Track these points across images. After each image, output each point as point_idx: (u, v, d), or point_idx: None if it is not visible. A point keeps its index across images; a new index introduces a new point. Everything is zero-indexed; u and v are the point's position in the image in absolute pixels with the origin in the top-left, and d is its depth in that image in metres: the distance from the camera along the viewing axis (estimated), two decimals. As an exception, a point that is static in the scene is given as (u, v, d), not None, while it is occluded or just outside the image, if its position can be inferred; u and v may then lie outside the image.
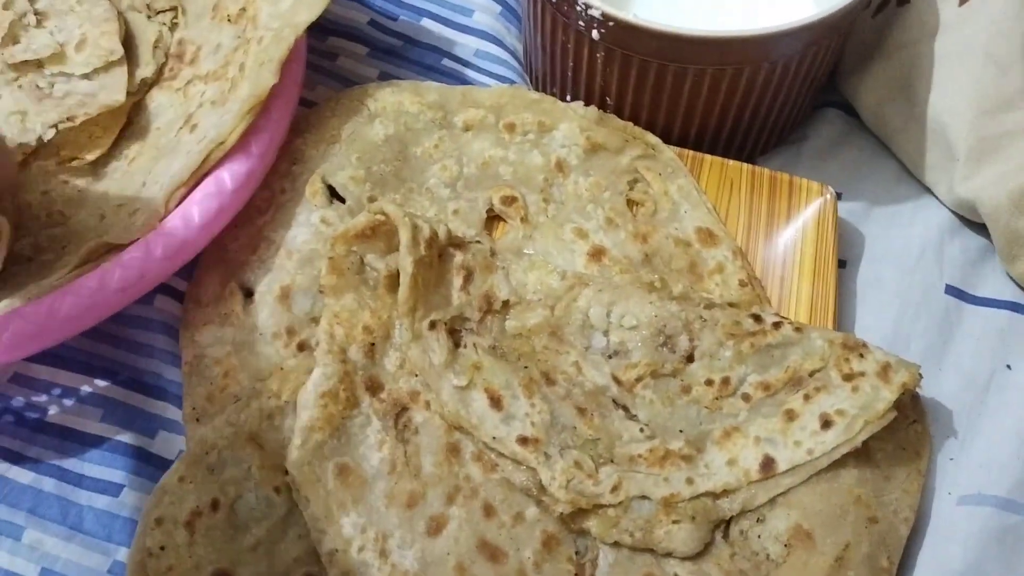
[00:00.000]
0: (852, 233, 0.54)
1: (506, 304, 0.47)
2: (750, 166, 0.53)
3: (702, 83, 0.49)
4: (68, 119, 0.54)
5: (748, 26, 0.48)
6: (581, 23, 0.49)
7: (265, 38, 0.50)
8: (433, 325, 0.45)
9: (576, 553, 0.42)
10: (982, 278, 0.52)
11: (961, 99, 0.51)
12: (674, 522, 0.41)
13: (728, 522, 0.43)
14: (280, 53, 0.48)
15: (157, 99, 0.56)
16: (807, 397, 0.44)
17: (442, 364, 0.44)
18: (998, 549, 0.43)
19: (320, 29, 0.59)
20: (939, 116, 0.52)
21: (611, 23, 0.48)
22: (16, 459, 0.45)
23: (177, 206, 0.46)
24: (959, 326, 0.51)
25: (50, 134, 0.53)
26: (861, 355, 0.45)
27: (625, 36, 0.48)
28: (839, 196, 0.54)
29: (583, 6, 0.48)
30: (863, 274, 0.53)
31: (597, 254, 0.51)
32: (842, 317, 0.51)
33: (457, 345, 0.45)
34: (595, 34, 0.49)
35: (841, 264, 0.53)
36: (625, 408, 0.45)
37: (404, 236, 0.45)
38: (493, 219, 0.52)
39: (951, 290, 0.52)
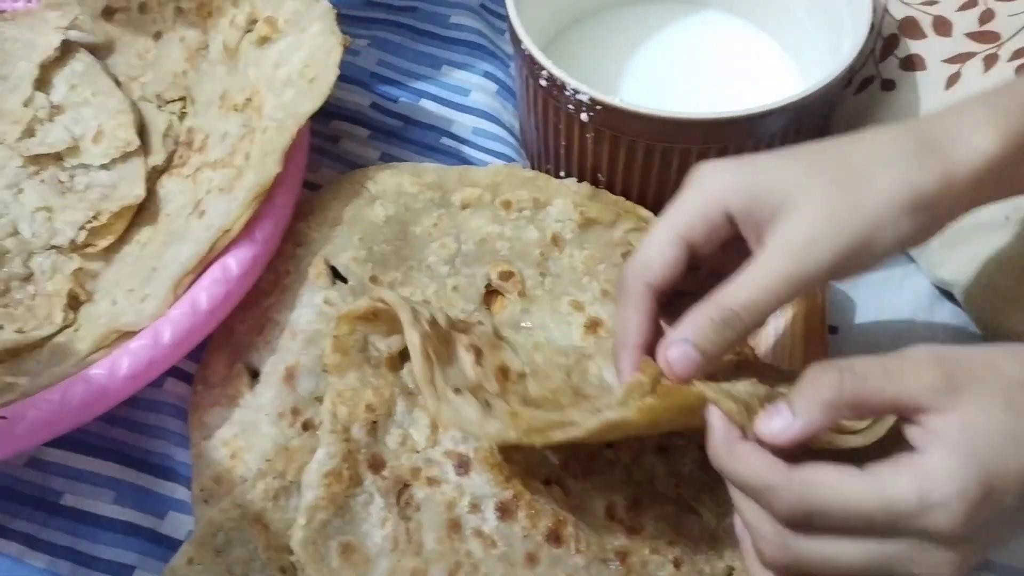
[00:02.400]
0: (843, 299, 0.56)
1: (522, 375, 0.48)
2: (739, 236, 0.54)
3: (689, 161, 0.51)
4: (95, 217, 0.56)
5: (733, 106, 0.50)
6: (571, 106, 0.52)
7: (269, 128, 0.53)
8: (458, 391, 0.45)
9: (576, 628, 0.42)
10: (974, 342, 0.53)
11: None
12: None
13: None
14: (283, 143, 0.51)
15: (167, 185, 0.58)
16: None
17: (480, 416, 0.44)
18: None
19: (323, 113, 0.60)
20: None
21: (599, 107, 0.50)
22: (31, 543, 0.47)
23: (185, 292, 0.48)
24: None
25: (81, 236, 0.55)
26: None
27: (613, 118, 0.50)
28: (828, 263, 0.55)
29: (572, 91, 0.50)
30: (854, 340, 0.54)
31: (593, 326, 0.52)
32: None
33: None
34: (584, 116, 0.51)
35: (832, 330, 0.54)
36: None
37: (405, 316, 0.46)
38: (491, 293, 0.54)
39: (943, 355, 0.53)
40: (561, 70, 0.51)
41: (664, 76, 0.62)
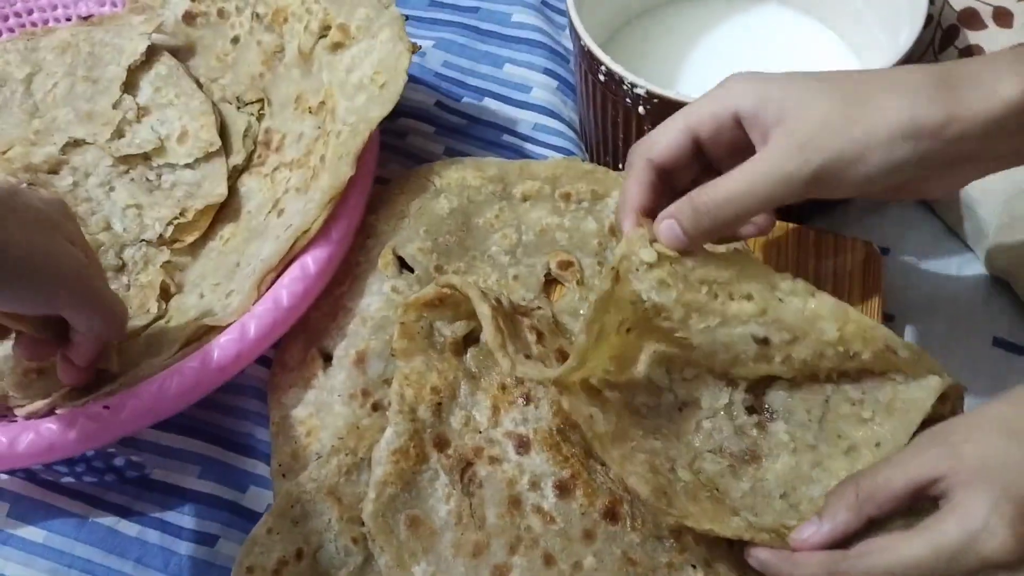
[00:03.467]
0: (899, 288, 0.56)
1: None
2: (796, 226, 0.55)
3: (744, 152, 0.52)
4: (181, 214, 0.60)
5: None
6: (628, 100, 0.53)
7: (343, 132, 0.55)
8: (528, 357, 0.47)
9: (633, 600, 0.44)
10: (1032, 329, 0.53)
11: (993, 178, 0.52)
12: None
13: None
14: (356, 147, 0.53)
15: (247, 184, 0.62)
16: None
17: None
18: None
19: (392, 111, 0.64)
20: (971, 191, 0.54)
21: (655, 99, 0.52)
22: (124, 513, 0.50)
23: (268, 289, 0.51)
24: (1008, 378, 0.52)
25: (169, 231, 0.59)
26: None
27: (669, 111, 0.51)
28: (885, 252, 0.56)
29: (629, 85, 0.52)
30: (911, 328, 0.54)
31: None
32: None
33: None
34: (641, 109, 0.53)
35: (889, 318, 0.55)
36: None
37: (473, 294, 0.48)
38: (551, 282, 0.56)
39: (999, 342, 0.53)
40: (619, 65, 0.52)
41: (723, 70, 0.62)
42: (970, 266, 0.57)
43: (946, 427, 0.38)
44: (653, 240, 0.42)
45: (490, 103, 0.66)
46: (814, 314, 0.43)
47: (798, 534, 0.40)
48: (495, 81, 0.67)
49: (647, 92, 0.51)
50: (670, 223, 0.41)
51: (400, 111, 0.65)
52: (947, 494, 0.36)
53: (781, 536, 0.41)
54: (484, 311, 0.46)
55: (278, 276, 0.51)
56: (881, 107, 0.38)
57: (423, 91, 0.66)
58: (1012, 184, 0.52)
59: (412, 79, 0.67)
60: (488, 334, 0.45)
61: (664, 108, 0.52)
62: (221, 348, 0.48)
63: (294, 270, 0.51)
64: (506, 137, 0.64)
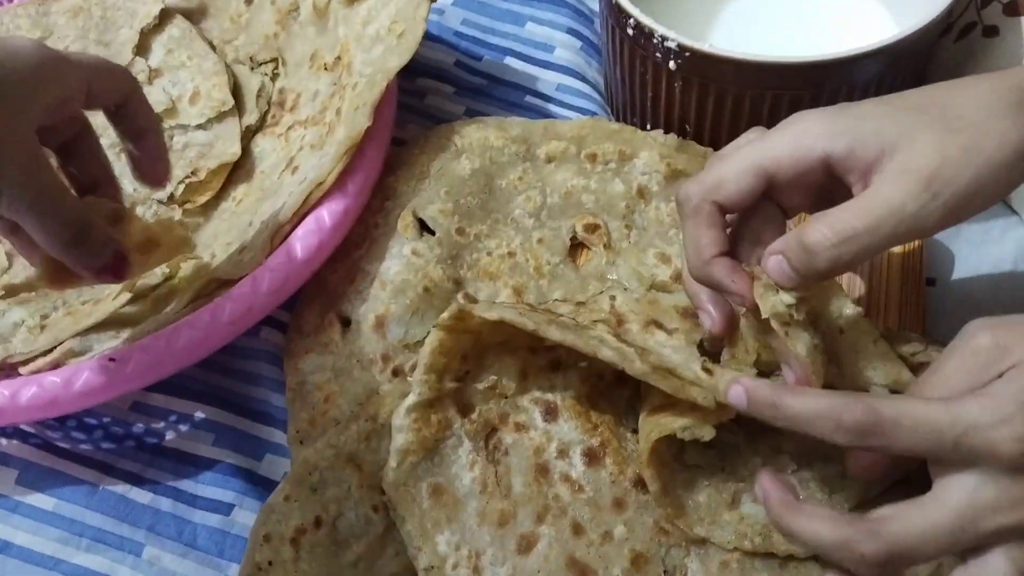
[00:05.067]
0: (941, 251, 0.54)
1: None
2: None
3: (780, 108, 0.50)
4: (193, 173, 0.58)
5: (825, 50, 0.48)
6: (658, 55, 0.51)
7: (359, 84, 0.54)
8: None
9: (664, 572, 0.42)
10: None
11: None
12: None
13: None
14: (373, 97, 0.51)
15: (261, 144, 0.60)
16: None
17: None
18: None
19: (409, 71, 0.61)
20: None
21: (687, 53, 0.49)
22: (136, 481, 0.49)
23: (281, 243, 0.49)
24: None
25: (180, 189, 0.58)
26: None
27: (701, 65, 0.49)
28: (926, 215, 0.54)
29: (660, 38, 0.50)
30: (953, 292, 0.52)
31: (680, 278, 0.52)
32: (932, 335, 0.50)
33: None
34: (672, 65, 0.51)
35: (930, 282, 0.53)
36: None
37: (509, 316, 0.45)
38: (577, 246, 0.54)
39: (1046, 307, 0.51)
40: (644, 20, 0.50)
41: (754, 23, 0.61)
42: (1015, 230, 0.54)
43: (1000, 322, 0.36)
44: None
45: (512, 62, 0.64)
46: None
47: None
48: (517, 40, 0.65)
49: (679, 45, 0.49)
50: (778, 259, 0.38)
51: (418, 71, 0.63)
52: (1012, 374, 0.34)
53: None
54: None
55: (292, 229, 0.49)
56: (991, 132, 0.36)
57: (442, 50, 0.64)
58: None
59: (430, 38, 0.65)
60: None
61: (697, 62, 0.50)
62: (233, 301, 0.46)
63: (308, 223, 0.49)
64: (528, 98, 0.62)
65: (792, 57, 0.48)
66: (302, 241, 0.49)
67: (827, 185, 0.39)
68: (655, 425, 0.41)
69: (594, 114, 0.61)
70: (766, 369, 0.42)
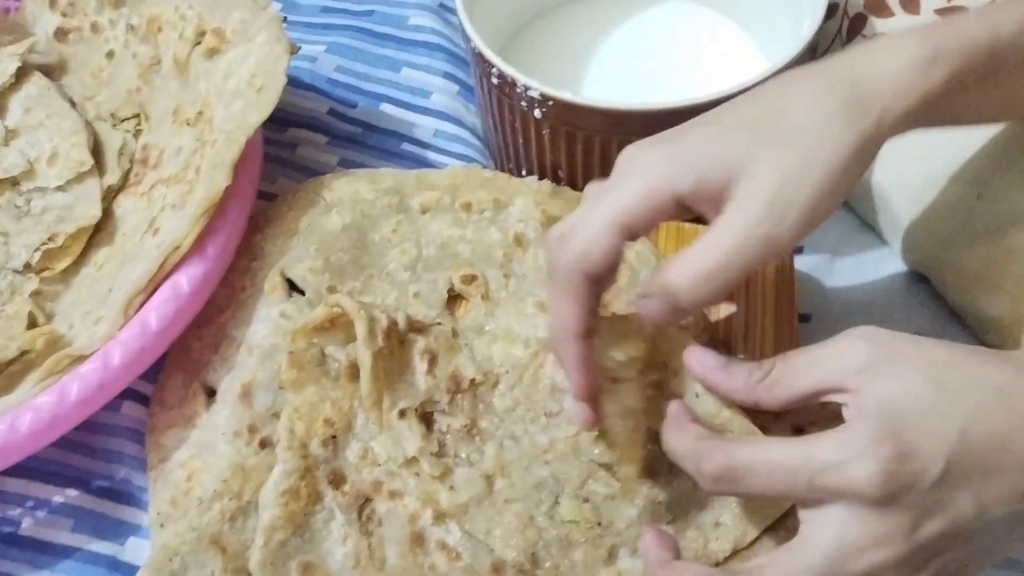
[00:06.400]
0: (815, 286, 0.54)
1: (473, 383, 0.47)
2: (705, 227, 0.53)
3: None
4: (50, 239, 0.55)
5: (696, 93, 0.49)
6: (524, 103, 0.50)
7: (219, 140, 0.52)
8: (403, 414, 0.45)
9: (546, 638, 0.41)
10: (951, 325, 0.52)
11: (906, 170, 0.51)
12: None
13: None
14: (232, 155, 0.49)
15: (123, 205, 0.57)
16: None
17: (417, 451, 0.44)
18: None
19: (280, 121, 0.61)
20: (884, 184, 0.52)
21: (550, 102, 0.49)
22: (-10, 577, 0.46)
23: (136, 312, 0.47)
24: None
25: (36, 257, 0.54)
26: None
27: (565, 113, 0.49)
28: (800, 250, 0.54)
29: (523, 88, 0.49)
30: (827, 328, 0.52)
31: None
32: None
33: (430, 429, 0.45)
34: (537, 113, 0.50)
35: (805, 319, 0.53)
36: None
37: (360, 329, 0.45)
38: (455, 298, 0.53)
39: (920, 338, 0.51)
40: (511, 67, 0.50)
41: (627, 68, 0.61)
42: (887, 261, 0.55)
43: (889, 337, 0.35)
44: None
45: (387, 109, 0.63)
46: None
47: (702, 354, 0.39)
48: (392, 86, 0.64)
49: (541, 95, 0.49)
50: (646, 301, 0.39)
51: (289, 121, 0.61)
52: (847, 414, 0.34)
53: None
54: (365, 359, 0.43)
55: (148, 298, 0.47)
56: (824, 139, 0.36)
57: (315, 98, 0.62)
58: (925, 176, 0.51)
59: (302, 86, 0.63)
60: (364, 387, 0.43)
61: (559, 111, 0.49)
62: (82, 379, 0.44)
63: (165, 290, 0.47)
64: (405, 145, 0.61)
65: (652, 104, 0.47)
66: (158, 310, 0.46)
67: (690, 208, 0.39)
68: None
69: (472, 159, 0.60)
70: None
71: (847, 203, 0.57)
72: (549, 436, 0.46)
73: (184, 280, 0.47)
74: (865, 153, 0.37)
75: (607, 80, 0.60)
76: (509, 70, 0.49)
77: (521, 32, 0.63)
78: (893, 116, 0.37)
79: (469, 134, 0.62)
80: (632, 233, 0.38)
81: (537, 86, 0.48)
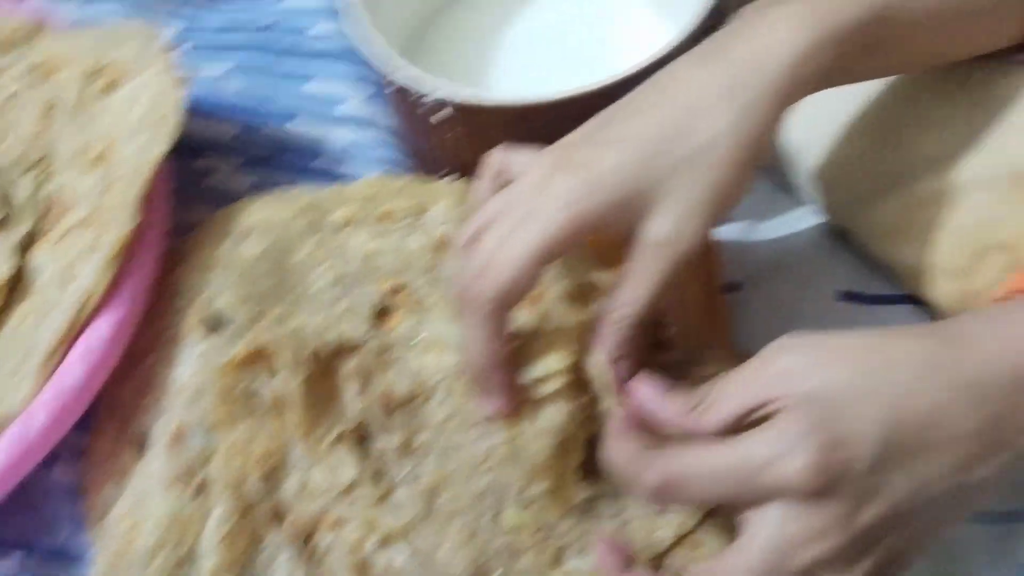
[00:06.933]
0: (743, 252, 0.54)
1: (407, 398, 0.47)
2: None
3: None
4: None
5: (610, 72, 0.48)
6: (423, 108, 0.50)
7: (123, 179, 0.51)
8: (338, 440, 0.44)
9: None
10: (876, 277, 0.52)
11: (811, 128, 0.51)
12: None
13: None
14: (136, 194, 0.49)
15: (37, 256, 0.55)
16: None
17: (355, 477, 0.44)
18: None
19: (189, 149, 0.59)
20: (791, 146, 0.52)
21: (451, 106, 0.48)
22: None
23: (57, 367, 0.46)
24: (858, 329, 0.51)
25: None
26: None
27: (468, 115, 0.48)
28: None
29: (422, 94, 0.48)
30: (756, 294, 0.52)
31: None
32: (740, 341, 0.50)
33: (366, 451, 0.45)
34: (441, 116, 0.49)
35: (736, 287, 0.53)
36: None
37: (284, 361, 0.45)
38: (385, 311, 0.52)
39: (844, 296, 0.52)
40: (410, 72, 0.49)
41: (536, 53, 0.61)
42: (809, 218, 0.55)
43: (801, 342, 0.36)
44: None
45: (298, 125, 0.61)
46: None
47: (640, 381, 0.39)
48: (301, 100, 0.63)
49: (440, 100, 0.48)
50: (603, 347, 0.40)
51: (199, 149, 0.60)
52: (774, 416, 0.34)
53: None
54: (292, 392, 0.43)
55: (68, 350, 0.46)
56: (719, 153, 0.38)
57: (222, 123, 0.61)
58: (832, 131, 0.51)
59: (209, 111, 0.62)
60: (295, 419, 0.42)
61: (463, 113, 0.49)
62: (8, 444, 0.43)
63: (83, 342, 0.46)
64: (319, 160, 0.60)
65: (553, 95, 0.47)
66: (78, 364, 0.45)
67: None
68: None
69: (391, 164, 0.60)
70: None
71: (761, 171, 0.57)
72: (487, 443, 0.45)
73: (102, 329, 0.46)
74: (763, 148, 0.38)
75: (517, 69, 0.60)
76: (405, 78, 0.48)
77: (424, 28, 0.62)
78: (787, 104, 0.38)
79: (385, 138, 0.61)
80: (552, 260, 0.39)
81: (434, 91, 0.47)
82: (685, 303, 0.50)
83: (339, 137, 0.61)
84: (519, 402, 0.42)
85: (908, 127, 0.48)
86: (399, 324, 0.51)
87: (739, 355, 0.45)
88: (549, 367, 0.40)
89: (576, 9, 0.63)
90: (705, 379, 0.43)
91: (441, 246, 0.53)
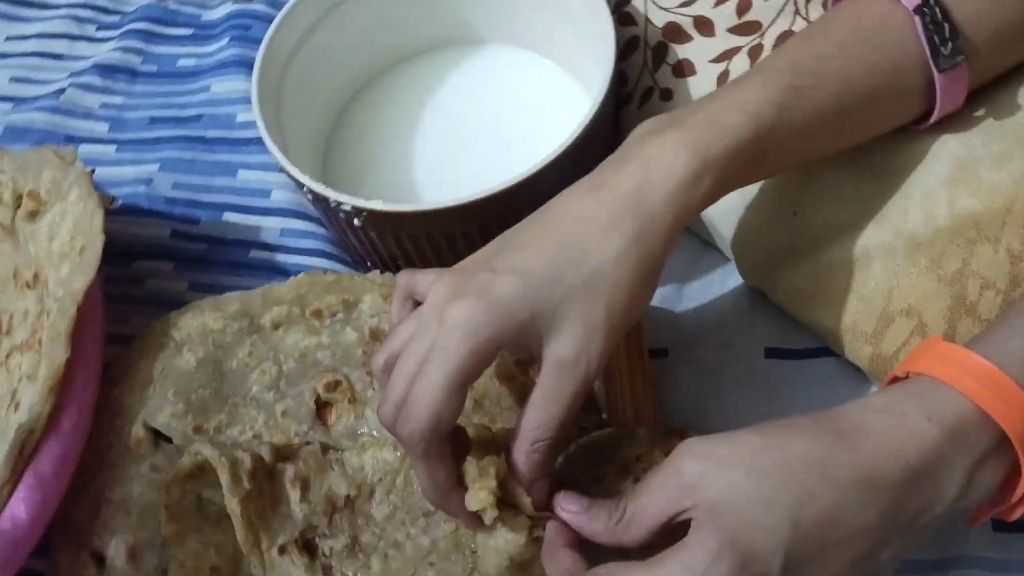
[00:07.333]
0: (667, 318, 0.56)
1: (349, 498, 0.49)
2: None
3: (474, 239, 0.50)
4: None
5: (531, 147, 0.50)
6: (342, 215, 0.51)
7: (53, 310, 0.51)
8: (283, 549, 0.46)
9: None
10: (799, 332, 0.53)
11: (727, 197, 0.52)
12: None
13: None
14: (66, 326, 0.49)
15: (-17, 375, 0.57)
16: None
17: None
18: None
19: (123, 255, 0.60)
20: (709, 213, 0.54)
21: (364, 213, 0.49)
22: None
23: (4, 505, 0.47)
24: (786, 386, 0.52)
25: None
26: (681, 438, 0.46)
27: (380, 220, 0.49)
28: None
29: (334, 202, 0.50)
30: (682, 358, 0.54)
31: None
32: (668, 406, 0.52)
33: (314, 556, 0.46)
34: (357, 221, 0.50)
35: (662, 353, 0.54)
36: None
37: (223, 477, 0.46)
38: (325, 406, 0.54)
39: (771, 352, 0.53)
40: (317, 187, 0.50)
41: (458, 131, 0.62)
42: (732, 275, 0.56)
43: (703, 447, 0.37)
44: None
45: (231, 218, 0.62)
46: None
47: (567, 500, 0.40)
48: (232, 192, 0.63)
49: (351, 207, 0.49)
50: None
51: (133, 253, 0.61)
52: (690, 528, 0.36)
53: None
54: (233, 507, 0.44)
55: (13, 488, 0.47)
56: (616, 280, 0.39)
57: (155, 223, 0.62)
58: (744, 197, 0.52)
59: (141, 212, 0.63)
60: (239, 534, 0.43)
61: (375, 219, 0.50)
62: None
63: (28, 479, 0.47)
64: (253, 252, 0.61)
65: (464, 198, 0.48)
66: (26, 501, 0.46)
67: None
68: None
69: (323, 253, 0.61)
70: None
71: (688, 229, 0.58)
72: (430, 536, 0.47)
73: (46, 463, 0.47)
74: (655, 272, 0.40)
75: (440, 154, 0.61)
76: (318, 188, 0.50)
77: (348, 109, 0.63)
78: (677, 227, 0.40)
79: (316, 226, 0.62)
80: (468, 384, 0.39)
81: (347, 200, 0.49)
82: (611, 374, 0.51)
83: (271, 227, 0.62)
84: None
85: (813, 196, 0.49)
86: (338, 420, 0.53)
87: (664, 431, 0.47)
88: (482, 501, 0.40)
89: (492, 77, 0.64)
90: (631, 461, 0.45)
91: (374, 338, 0.54)
